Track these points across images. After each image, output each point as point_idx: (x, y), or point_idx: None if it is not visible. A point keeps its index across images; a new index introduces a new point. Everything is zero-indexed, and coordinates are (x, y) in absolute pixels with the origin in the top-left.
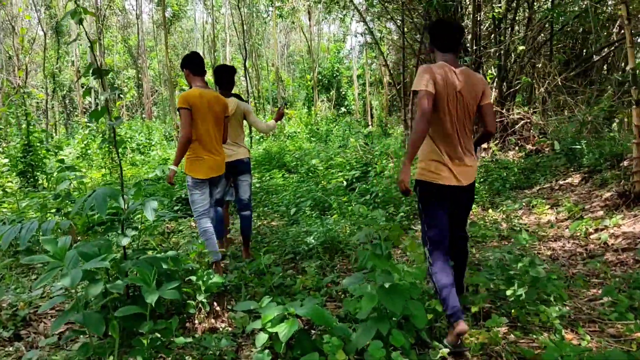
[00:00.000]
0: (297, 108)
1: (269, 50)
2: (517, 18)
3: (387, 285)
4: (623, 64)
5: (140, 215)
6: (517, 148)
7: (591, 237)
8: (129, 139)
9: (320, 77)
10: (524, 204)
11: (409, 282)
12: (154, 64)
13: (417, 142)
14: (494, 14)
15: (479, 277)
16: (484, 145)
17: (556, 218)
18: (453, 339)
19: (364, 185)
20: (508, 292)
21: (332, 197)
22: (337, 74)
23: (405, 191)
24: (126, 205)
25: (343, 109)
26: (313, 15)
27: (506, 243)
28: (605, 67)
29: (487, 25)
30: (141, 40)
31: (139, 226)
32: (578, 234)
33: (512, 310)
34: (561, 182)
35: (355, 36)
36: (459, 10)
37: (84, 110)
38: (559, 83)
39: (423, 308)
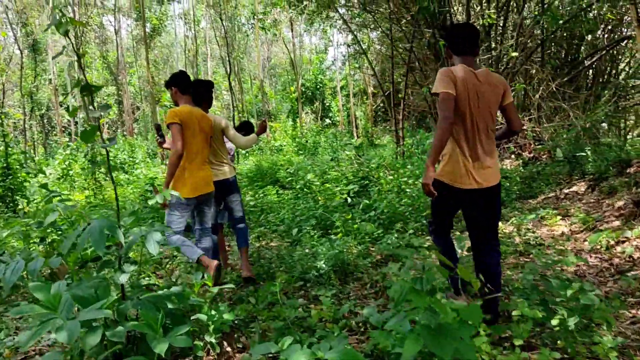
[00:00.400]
0: (281, 121)
1: (251, 64)
2: (507, 24)
3: (433, 325)
4: (609, 69)
5: (137, 246)
6: (513, 156)
7: (614, 250)
8: (113, 158)
9: (304, 89)
10: (535, 215)
11: (458, 320)
12: (134, 80)
13: (440, 145)
14: (487, 20)
15: (522, 307)
16: None
17: (570, 230)
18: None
19: (366, 201)
20: (554, 322)
21: (335, 214)
22: (321, 85)
23: (429, 193)
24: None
25: (328, 121)
26: (295, 26)
27: (525, 260)
28: (591, 72)
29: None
30: (120, 56)
31: (137, 259)
32: (598, 247)
33: (558, 341)
34: (566, 191)
35: (339, 47)
36: (449, 18)
37: (63, 129)
38: (554, 89)
39: (474, 351)
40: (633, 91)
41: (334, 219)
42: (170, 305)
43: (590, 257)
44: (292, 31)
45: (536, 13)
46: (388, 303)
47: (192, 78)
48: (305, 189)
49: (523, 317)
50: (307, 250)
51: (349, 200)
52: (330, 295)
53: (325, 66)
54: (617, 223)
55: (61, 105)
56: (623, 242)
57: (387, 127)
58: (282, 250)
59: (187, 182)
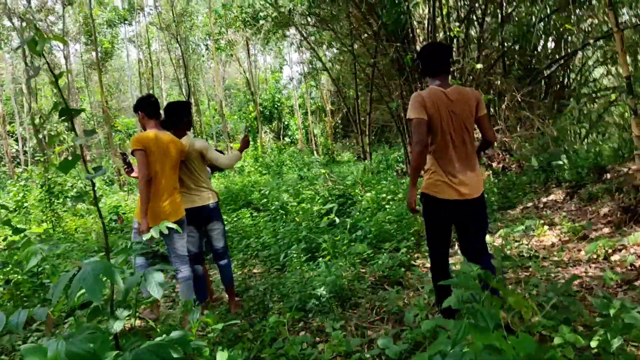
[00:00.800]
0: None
1: (206, 85)
2: (468, 37)
3: None
4: (561, 78)
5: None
6: (482, 168)
7: (612, 259)
8: (70, 187)
9: (261, 108)
10: (525, 227)
11: (521, 357)
12: (85, 106)
13: (417, 167)
14: (452, 33)
15: (565, 332)
16: None
17: (560, 240)
18: None
19: (349, 220)
20: (593, 344)
21: (322, 236)
22: (278, 104)
23: (413, 210)
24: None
25: (287, 139)
26: (250, 46)
27: (525, 273)
28: (549, 82)
29: None
30: (72, 81)
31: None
32: (594, 256)
33: None
34: (544, 200)
35: (296, 65)
36: (412, 33)
37: (12, 158)
38: (519, 99)
39: None
40: (585, 99)
41: (320, 241)
42: (174, 355)
43: (590, 267)
44: (247, 51)
45: (494, 27)
46: (401, 331)
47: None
48: (280, 211)
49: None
50: (298, 277)
51: (337, 220)
52: (338, 327)
53: (282, 85)
54: (606, 230)
55: (10, 135)
56: (620, 250)
57: (347, 143)
58: (271, 278)
59: (155, 211)
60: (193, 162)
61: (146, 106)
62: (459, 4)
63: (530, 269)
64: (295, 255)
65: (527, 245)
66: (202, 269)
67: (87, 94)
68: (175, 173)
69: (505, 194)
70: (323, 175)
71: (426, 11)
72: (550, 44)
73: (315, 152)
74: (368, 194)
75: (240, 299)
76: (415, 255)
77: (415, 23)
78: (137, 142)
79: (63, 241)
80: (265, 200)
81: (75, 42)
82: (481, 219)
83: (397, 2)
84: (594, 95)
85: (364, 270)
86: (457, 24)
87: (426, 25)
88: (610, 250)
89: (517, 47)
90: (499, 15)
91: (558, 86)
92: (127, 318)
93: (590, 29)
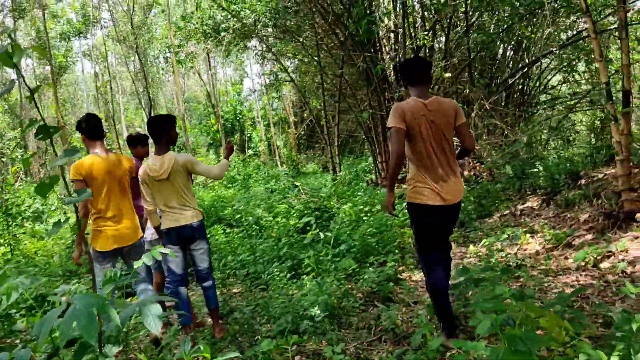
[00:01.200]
0: (201, 155)
1: (166, 98)
2: (434, 47)
3: None
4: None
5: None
6: None
7: (602, 266)
8: (27, 208)
9: (223, 121)
10: (511, 235)
11: None
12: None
13: (394, 173)
14: (421, 42)
15: (587, 348)
16: None
17: (544, 247)
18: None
19: (329, 234)
20: (614, 359)
21: (305, 252)
22: (240, 116)
23: (391, 214)
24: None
25: (250, 152)
26: (211, 59)
27: (517, 284)
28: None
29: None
30: (24, 97)
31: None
32: (583, 264)
33: None
34: (521, 207)
35: (258, 77)
36: (378, 43)
37: None
38: (487, 107)
39: None
40: (539, 107)
41: (303, 257)
42: None
43: (580, 275)
44: (209, 63)
45: (457, 37)
46: (403, 353)
47: (104, 115)
48: (255, 226)
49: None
50: (284, 296)
51: (321, 235)
52: (339, 350)
53: (243, 97)
54: (589, 237)
55: None
56: (608, 256)
57: (311, 154)
58: (255, 298)
59: (98, 236)
60: (177, 179)
61: (85, 128)
62: (425, 14)
63: (522, 279)
64: (278, 273)
65: (512, 254)
66: (186, 292)
67: (40, 109)
68: (124, 194)
69: (480, 202)
70: (297, 188)
71: (391, 22)
72: (510, 53)
73: (279, 164)
74: (345, 206)
75: (225, 322)
76: (401, 268)
77: (381, 33)
78: (74, 171)
79: (25, 265)
80: (239, 215)
81: (26, 57)
82: (455, 220)
83: (366, 12)
84: (553, 102)
85: (350, 286)
86: (425, 33)
87: (392, 35)
88: (599, 257)
89: (482, 56)
90: (466, 24)
91: (518, 94)
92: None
93: (548, 38)
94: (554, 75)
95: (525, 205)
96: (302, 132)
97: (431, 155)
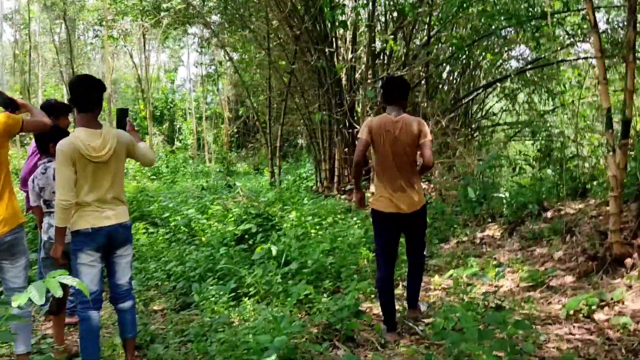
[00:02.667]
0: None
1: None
2: (393, 55)
3: None
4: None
5: None
6: None
7: (596, 317)
8: None
9: (152, 108)
10: (472, 269)
11: None
12: None
13: (355, 178)
14: (388, 46)
15: None
16: None
17: (518, 286)
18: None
19: (274, 247)
20: None
21: (249, 268)
22: (171, 105)
23: (362, 207)
24: None
25: (178, 143)
26: (147, 41)
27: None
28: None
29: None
30: None
31: None
32: (571, 312)
33: None
34: (480, 235)
35: (197, 66)
36: (334, 43)
37: None
38: (444, 125)
39: None
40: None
41: (244, 274)
42: None
43: (574, 327)
44: (144, 44)
45: (419, 45)
46: None
47: (18, 87)
48: (184, 228)
49: None
50: (222, 325)
51: (274, 251)
52: None
53: (176, 86)
54: (569, 279)
55: None
56: (602, 307)
57: (242, 154)
58: (183, 322)
59: None
60: (117, 163)
61: None
62: (387, 17)
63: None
64: (214, 293)
65: (483, 292)
66: (99, 320)
67: None
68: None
69: (433, 224)
70: (234, 189)
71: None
72: (457, 74)
73: (207, 160)
74: (292, 215)
75: (141, 355)
76: (359, 296)
77: (339, 32)
78: None
79: None
80: (167, 214)
81: None
82: (419, 231)
83: (333, 5)
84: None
85: (303, 317)
86: (391, 36)
87: (349, 36)
88: (592, 307)
89: (437, 72)
90: (427, 36)
91: (462, 116)
92: None
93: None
94: (497, 102)
95: (485, 234)
96: (236, 130)
97: (392, 168)
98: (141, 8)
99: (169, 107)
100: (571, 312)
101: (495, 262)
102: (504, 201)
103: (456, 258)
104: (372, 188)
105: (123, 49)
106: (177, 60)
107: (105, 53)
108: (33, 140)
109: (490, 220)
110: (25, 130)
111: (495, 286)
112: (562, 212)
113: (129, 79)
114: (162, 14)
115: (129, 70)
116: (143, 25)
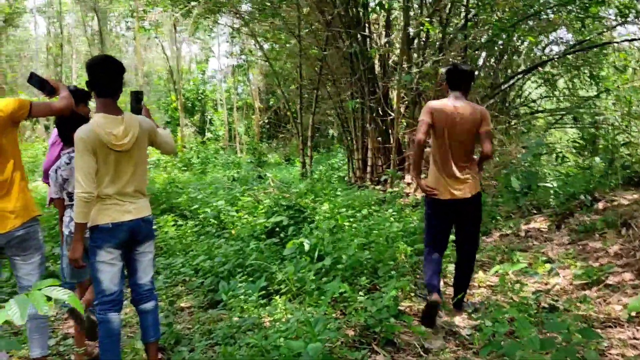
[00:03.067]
0: None
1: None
2: (429, 40)
3: None
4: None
5: None
6: None
7: None
8: None
9: (184, 99)
10: (521, 265)
11: None
12: None
13: (416, 161)
14: (424, 29)
15: None
16: None
17: (572, 284)
18: (425, 310)
19: (307, 241)
20: None
21: (281, 264)
22: (202, 96)
23: (427, 190)
24: None
25: (209, 135)
26: (177, 33)
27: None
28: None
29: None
30: None
31: None
32: (635, 315)
33: None
34: (525, 228)
35: (227, 57)
36: (367, 28)
37: None
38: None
39: None
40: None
41: (275, 270)
42: None
43: (638, 330)
44: (175, 34)
45: (456, 29)
46: None
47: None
48: (213, 220)
49: None
50: (249, 323)
51: (306, 246)
52: None
53: (207, 77)
54: (628, 276)
55: None
56: None
57: (273, 144)
58: (210, 322)
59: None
60: (139, 152)
61: None
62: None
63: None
64: (244, 290)
65: (534, 290)
66: (120, 322)
67: None
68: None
69: None
70: (265, 180)
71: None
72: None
73: (239, 151)
74: (324, 207)
75: (164, 359)
76: (398, 295)
77: (372, 17)
78: None
79: None
80: (195, 206)
81: None
82: (473, 219)
83: None
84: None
85: (338, 318)
86: (428, 21)
87: (383, 20)
88: None
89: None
90: (465, 20)
91: (499, 103)
92: None
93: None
94: (536, 88)
95: (530, 226)
96: (267, 120)
97: (450, 153)
98: None
99: (200, 98)
100: (633, 313)
101: (544, 258)
102: (552, 191)
103: (500, 252)
104: (424, 175)
105: (155, 41)
106: (208, 52)
107: (137, 45)
108: (55, 129)
109: (535, 211)
110: (34, 115)
111: (546, 284)
112: (615, 203)
113: (161, 71)
114: (192, 3)
115: (161, 62)
116: (174, 16)
